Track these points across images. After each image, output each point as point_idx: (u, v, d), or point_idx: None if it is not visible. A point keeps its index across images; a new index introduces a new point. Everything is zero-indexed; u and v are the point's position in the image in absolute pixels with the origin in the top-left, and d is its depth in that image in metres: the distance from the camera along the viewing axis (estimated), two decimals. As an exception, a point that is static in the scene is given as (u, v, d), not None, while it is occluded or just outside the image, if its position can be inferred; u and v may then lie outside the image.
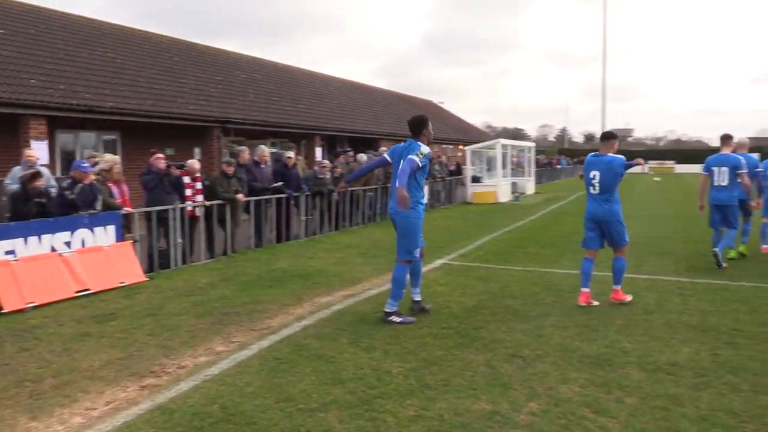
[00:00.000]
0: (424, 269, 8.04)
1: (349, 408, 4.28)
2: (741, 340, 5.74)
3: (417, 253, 6.60)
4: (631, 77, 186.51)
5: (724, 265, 9.25)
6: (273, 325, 6.48)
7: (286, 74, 30.01)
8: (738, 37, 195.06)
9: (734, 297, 7.43)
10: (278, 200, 12.43)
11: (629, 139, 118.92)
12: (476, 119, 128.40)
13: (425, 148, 6.44)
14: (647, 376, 4.84)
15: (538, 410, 4.23)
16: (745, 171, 9.38)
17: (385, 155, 7.02)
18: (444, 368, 5.07)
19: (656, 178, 32.74)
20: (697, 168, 50.31)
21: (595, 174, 7.01)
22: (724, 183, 9.43)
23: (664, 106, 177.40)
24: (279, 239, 12.61)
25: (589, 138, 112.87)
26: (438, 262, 9.93)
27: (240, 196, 11.16)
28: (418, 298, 6.91)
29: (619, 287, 7.23)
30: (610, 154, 7.04)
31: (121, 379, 4.97)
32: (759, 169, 10.36)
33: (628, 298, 7.22)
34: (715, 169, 9.54)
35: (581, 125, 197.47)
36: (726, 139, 9.73)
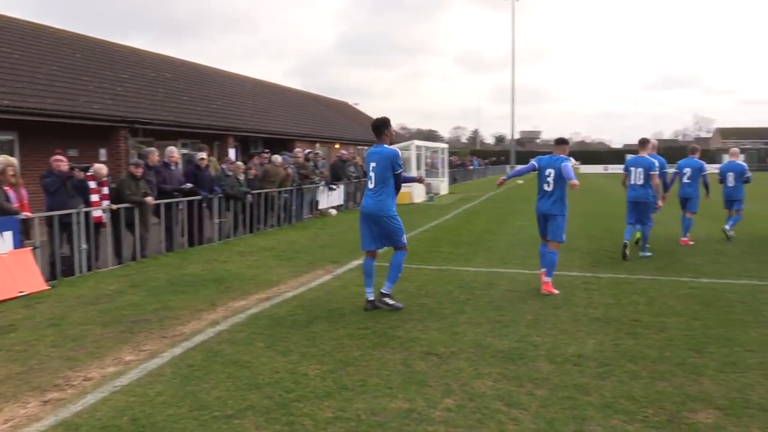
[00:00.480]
0: (340, 271, 7.98)
1: (265, 413, 4.22)
2: (640, 330, 6.09)
3: (405, 239, 7.07)
4: (539, 81, 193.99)
5: (648, 253, 10.43)
6: (185, 331, 6.30)
7: (198, 73, 29.20)
8: (634, 44, 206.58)
9: (634, 290, 7.88)
10: (190, 203, 12.09)
11: (537, 140, 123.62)
12: (391, 121, 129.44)
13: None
14: (556, 368, 5.05)
15: (453, 406, 4.33)
16: (657, 173, 10.21)
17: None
18: (361, 369, 5.09)
19: (519, 181, 33.50)
20: (600, 168, 52.78)
21: (551, 172, 7.87)
22: (640, 182, 10.27)
23: (570, 108, 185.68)
24: (191, 243, 12.27)
25: (499, 140, 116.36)
26: (354, 263, 9.95)
27: (149, 199, 10.78)
28: (371, 297, 7.07)
29: (550, 279, 7.77)
30: (562, 156, 7.98)
31: (21, 395, 4.68)
32: (666, 170, 11.14)
33: (556, 291, 7.74)
34: (633, 169, 10.39)
35: (492, 127, 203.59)
36: (644, 143, 10.59)
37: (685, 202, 12.07)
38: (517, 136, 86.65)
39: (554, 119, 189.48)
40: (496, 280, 8.61)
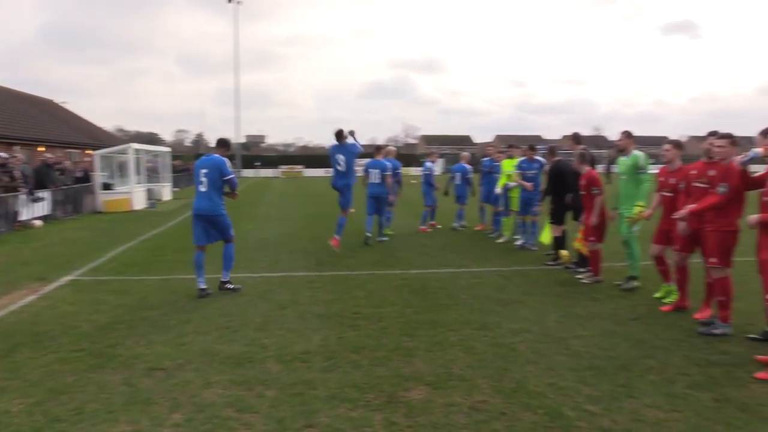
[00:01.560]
0: (48, 289, 7.20)
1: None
2: (361, 322, 6.54)
3: (233, 232, 8.15)
4: (265, 85, 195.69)
5: (386, 238, 12.86)
6: None
7: None
8: (347, 54, 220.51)
9: (354, 285, 8.43)
10: None
11: (262, 144, 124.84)
12: (106, 122, 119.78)
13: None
14: (284, 367, 5.17)
15: (182, 420, 4.17)
16: (390, 173, 12.59)
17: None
18: (76, 395, 4.62)
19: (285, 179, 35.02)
20: (322, 172, 54.26)
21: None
22: (377, 181, 12.47)
23: (294, 114, 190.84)
24: None
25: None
26: (65, 279, 8.98)
27: None
28: (203, 286, 7.87)
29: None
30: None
31: None
32: (399, 171, 13.58)
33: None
34: (371, 170, 12.61)
35: (218, 131, 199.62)
36: (379, 148, 13.19)
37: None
38: (242, 140, 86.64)
39: (278, 124, 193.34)
40: (224, 285, 8.51)
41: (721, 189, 5.93)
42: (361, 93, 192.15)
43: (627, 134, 8.21)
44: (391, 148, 13.82)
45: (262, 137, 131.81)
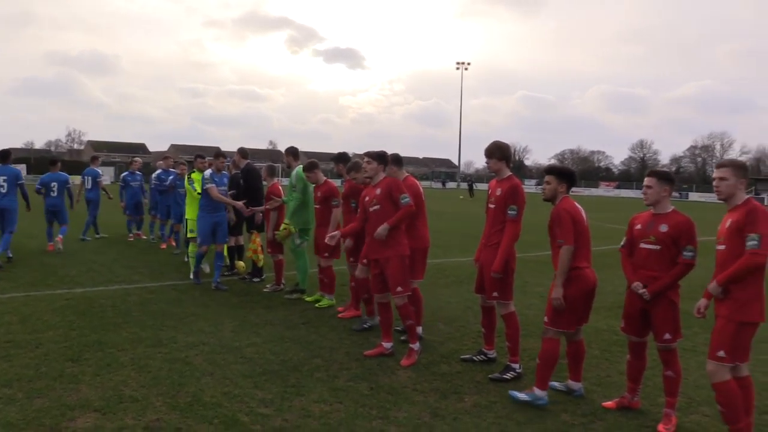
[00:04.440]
0: None
1: None
2: (14, 351, 5.80)
3: None
4: None
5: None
6: None
7: None
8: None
9: (6, 309, 7.41)
10: None
11: None
12: None
13: None
14: None
15: None
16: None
17: None
18: None
19: None
20: None
21: None
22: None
23: None
24: None
25: None
26: None
27: None
28: None
29: None
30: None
31: None
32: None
33: None
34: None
35: None
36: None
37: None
38: None
39: None
40: None
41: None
42: (13, 89, 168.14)
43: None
44: None
45: None
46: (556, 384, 5.22)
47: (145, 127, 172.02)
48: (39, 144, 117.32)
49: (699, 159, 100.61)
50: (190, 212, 9.92)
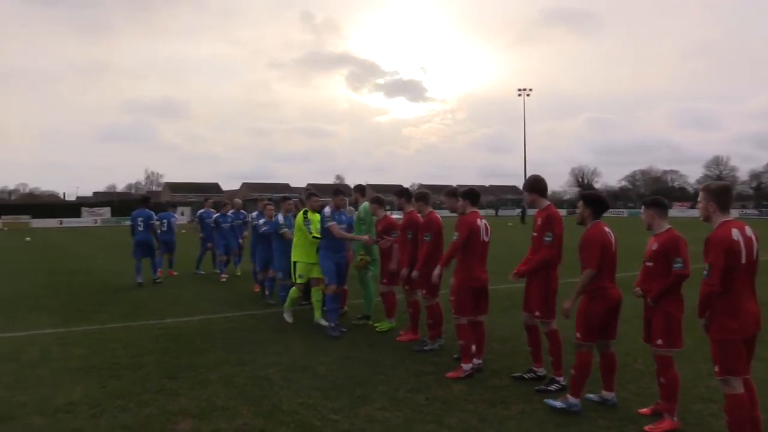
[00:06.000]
0: None
1: None
2: (122, 371, 6.79)
3: None
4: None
5: None
6: None
7: None
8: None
9: (109, 338, 8.47)
10: None
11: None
12: None
13: None
14: (49, 420, 5.31)
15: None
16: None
17: None
18: None
19: (27, 239, 34.46)
20: (55, 222, 49.05)
21: None
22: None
23: (10, 158, 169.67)
24: None
25: None
26: None
27: None
28: None
29: None
30: None
31: None
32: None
33: None
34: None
35: None
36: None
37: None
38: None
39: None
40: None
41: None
42: (94, 137, 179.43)
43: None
44: None
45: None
46: (591, 396, 5.72)
47: (215, 166, 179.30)
48: (120, 187, 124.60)
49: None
50: (298, 254, 9.12)
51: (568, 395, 5.48)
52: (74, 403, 5.73)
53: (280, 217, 10.01)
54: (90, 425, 5.16)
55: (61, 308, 10.99)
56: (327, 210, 8.70)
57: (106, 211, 65.74)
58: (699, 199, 4.64)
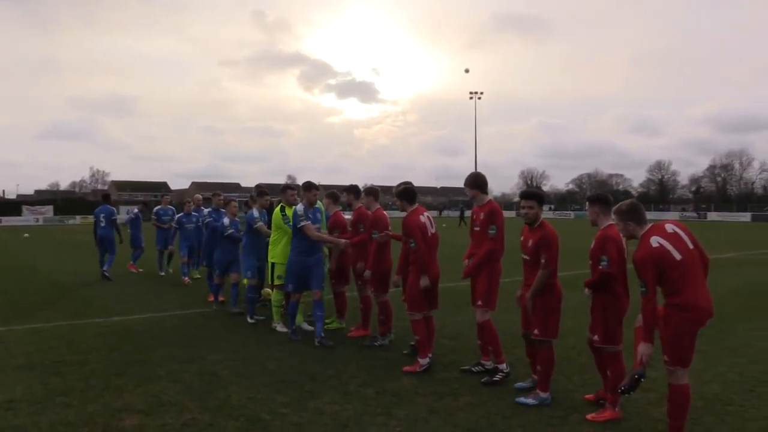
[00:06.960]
0: None
1: None
2: (65, 369, 6.62)
3: None
4: None
5: None
6: None
7: None
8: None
9: (53, 335, 8.25)
10: None
11: None
12: None
13: None
14: (-13, 418, 5.16)
15: None
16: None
17: None
18: None
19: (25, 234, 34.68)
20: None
21: None
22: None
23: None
24: None
25: None
26: None
27: None
28: None
29: None
30: None
31: None
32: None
33: None
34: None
35: None
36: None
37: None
38: None
39: None
40: None
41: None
42: (37, 134, 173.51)
43: None
44: None
45: None
46: (524, 384, 6.01)
47: (165, 165, 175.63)
48: (64, 185, 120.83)
49: (719, 178, 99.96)
50: (276, 255, 8.64)
51: (537, 391, 5.62)
52: (15, 400, 5.57)
53: (255, 212, 9.50)
54: (31, 422, 5.03)
55: (1, 307, 10.63)
56: (300, 208, 7.86)
57: (48, 210, 63.72)
58: (616, 222, 4.82)
